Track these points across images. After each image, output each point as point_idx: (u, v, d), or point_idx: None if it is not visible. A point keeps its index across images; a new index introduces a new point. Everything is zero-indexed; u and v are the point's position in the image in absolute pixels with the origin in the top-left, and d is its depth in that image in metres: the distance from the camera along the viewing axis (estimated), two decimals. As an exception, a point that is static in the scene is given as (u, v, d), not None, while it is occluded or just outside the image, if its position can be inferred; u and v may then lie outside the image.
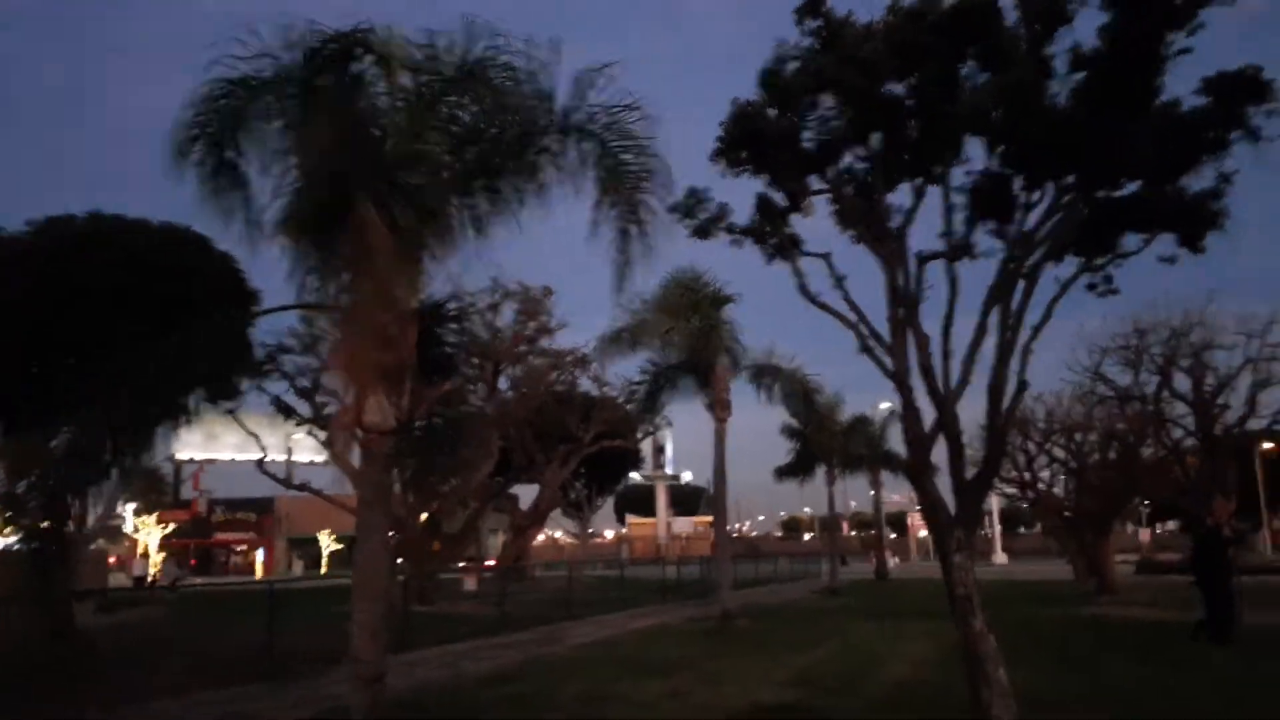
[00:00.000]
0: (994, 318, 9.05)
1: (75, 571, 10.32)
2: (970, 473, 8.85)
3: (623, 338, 20.96)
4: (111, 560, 48.64)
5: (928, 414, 9.09)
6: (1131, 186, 9.44)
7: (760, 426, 39.05)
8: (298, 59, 9.40)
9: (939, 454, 9.24)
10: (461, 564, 35.06)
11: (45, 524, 12.09)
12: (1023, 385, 8.54)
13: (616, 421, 32.81)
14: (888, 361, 8.94)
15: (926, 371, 8.30)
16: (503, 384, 29.48)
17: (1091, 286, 10.17)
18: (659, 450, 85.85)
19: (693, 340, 20.82)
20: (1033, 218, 9.45)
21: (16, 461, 16.71)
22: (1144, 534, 62.90)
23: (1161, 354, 22.61)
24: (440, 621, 20.55)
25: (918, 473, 8.67)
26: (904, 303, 8.57)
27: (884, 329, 9.31)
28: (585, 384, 31.98)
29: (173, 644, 16.41)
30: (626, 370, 41.25)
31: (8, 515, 13.46)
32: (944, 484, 9.31)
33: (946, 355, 8.56)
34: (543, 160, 9.73)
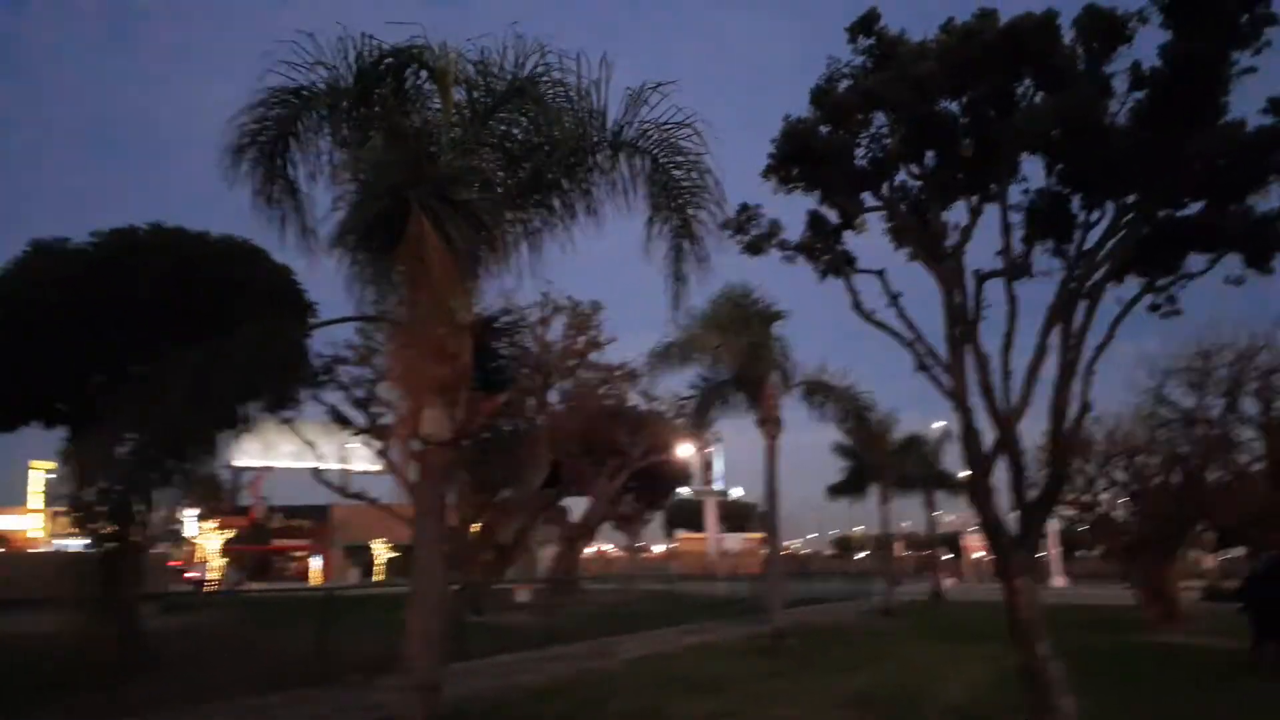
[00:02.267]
0: (1055, 338, 8.87)
1: (143, 575, 10.57)
2: (1031, 494, 8.66)
3: (673, 353, 20.92)
4: (175, 563, 49.74)
5: (986, 434, 8.95)
6: (1195, 206, 9.22)
7: (811, 443, 38.74)
8: (352, 71, 9.60)
9: (999, 475, 9.07)
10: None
11: (111, 529, 12.36)
12: (1086, 407, 8.35)
13: (665, 436, 32.80)
14: (945, 380, 8.79)
15: (987, 391, 8.16)
16: (552, 398, 29.62)
17: (1154, 307, 9.93)
18: (708, 466, 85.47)
19: (743, 356, 20.70)
20: (1092, 237, 9.28)
21: (82, 467, 17.19)
22: (1210, 560, 60.85)
23: (1228, 377, 21.92)
24: (492, 632, 20.65)
25: (978, 494, 8.51)
26: (962, 321, 8.43)
27: (941, 347, 9.18)
28: (634, 398, 32.03)
29: (230, 648, 16.72)
30: (676, 385, 41.22)
31: (76, 519, 13.77)
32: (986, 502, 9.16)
33: (1007, 375, 8.41)
34: (594, 176, 9.80)
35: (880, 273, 9.63)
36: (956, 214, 9.90)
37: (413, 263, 7.71)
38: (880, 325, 9.21)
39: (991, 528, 8.42)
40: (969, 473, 8.85)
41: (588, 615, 25.58)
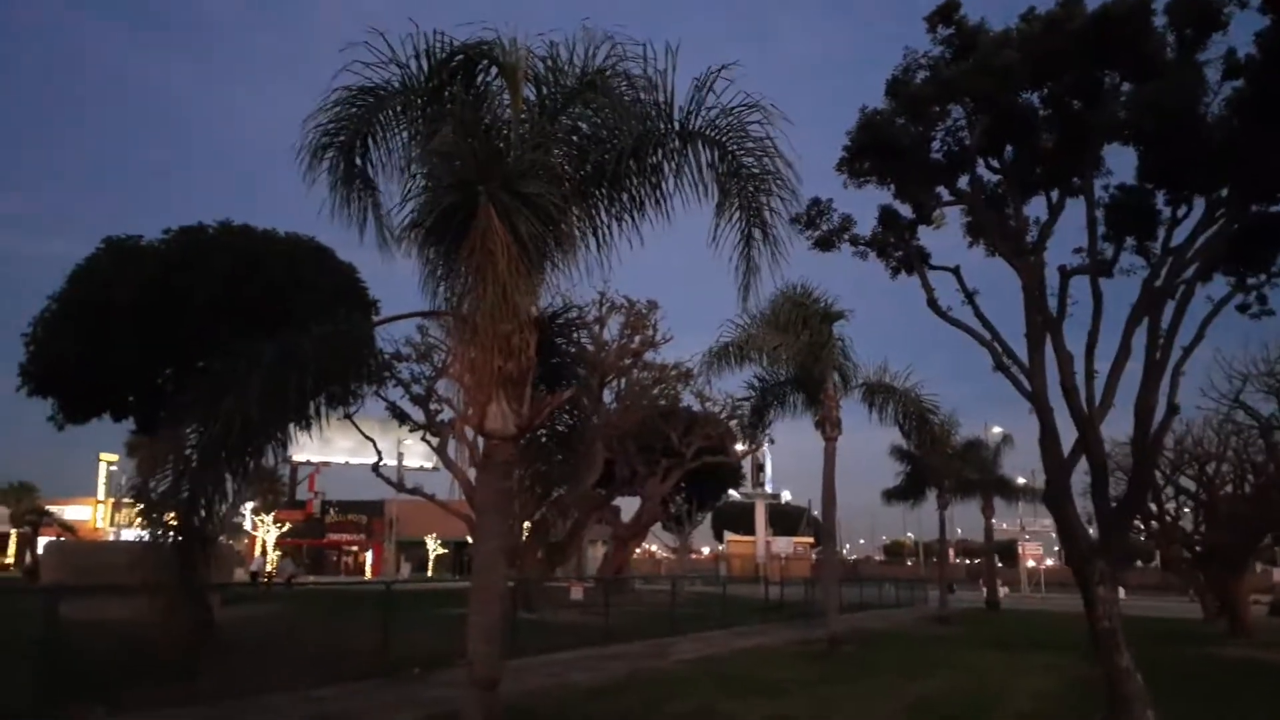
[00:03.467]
0: (1141, 338, 8.58)
1: (215, 565, 10.72)
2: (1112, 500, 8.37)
3: (730, 352, 20.72)
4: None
5: (1065, 437, 8.68)
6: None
7: (863, 447, 38.17)
8: (424, 69, 9.64)
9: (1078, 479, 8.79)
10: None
11: (176, 519, 12.52)
12: (1173, 409, 8.06)
13: (718, 437, 32.59)
14: (1024, 380, 8.54)
15: (1069, 392, 7.90)
16: (607, 397, 29.59)
17: (1243, 308, 9.56)
18: (759, 468, 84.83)
19: (802, 356, 20.43)
20: (1179, 234, 8.95)
21: (150, 459, 17.53)
22: (1278, 574, 58.95)
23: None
24: (545, 629, 20.66)
25: (1057, 499, 8.24)
26: (1046, 319, 8.17)
27: (1018, 347, 8.93)
28: (688, 399, 31.86)
29: (290, 639, 16.94)
30: (730, 386, 40.91)
31: (142, 510, 13.97)
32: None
33: (1090, 375, 8.14)
34: (663, 168, 9.69)
35: (955, 270, 9.39)
36: (1033, 209, 9.61)
37: (480, 256, 7.68)
38: (956, 323, 8.99)
39: (1070, 534, 8.14)
40: (1047, 476, 8.57)
41: (639, 615, 25.49)
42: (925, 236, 10.16)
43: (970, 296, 9.33)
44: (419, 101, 9.77)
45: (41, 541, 44.54)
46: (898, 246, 9.73)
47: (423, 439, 28.71)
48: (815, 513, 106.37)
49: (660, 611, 25.48)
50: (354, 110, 9.67)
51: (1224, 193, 8.37)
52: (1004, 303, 9.42)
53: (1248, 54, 7.87)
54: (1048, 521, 74.70)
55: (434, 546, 67.59)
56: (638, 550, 58.57)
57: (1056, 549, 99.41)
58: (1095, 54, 7.62)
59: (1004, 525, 76.92)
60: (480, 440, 9.57)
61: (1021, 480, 43.53)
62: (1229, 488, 27.13)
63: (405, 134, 9.91)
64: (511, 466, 10.00)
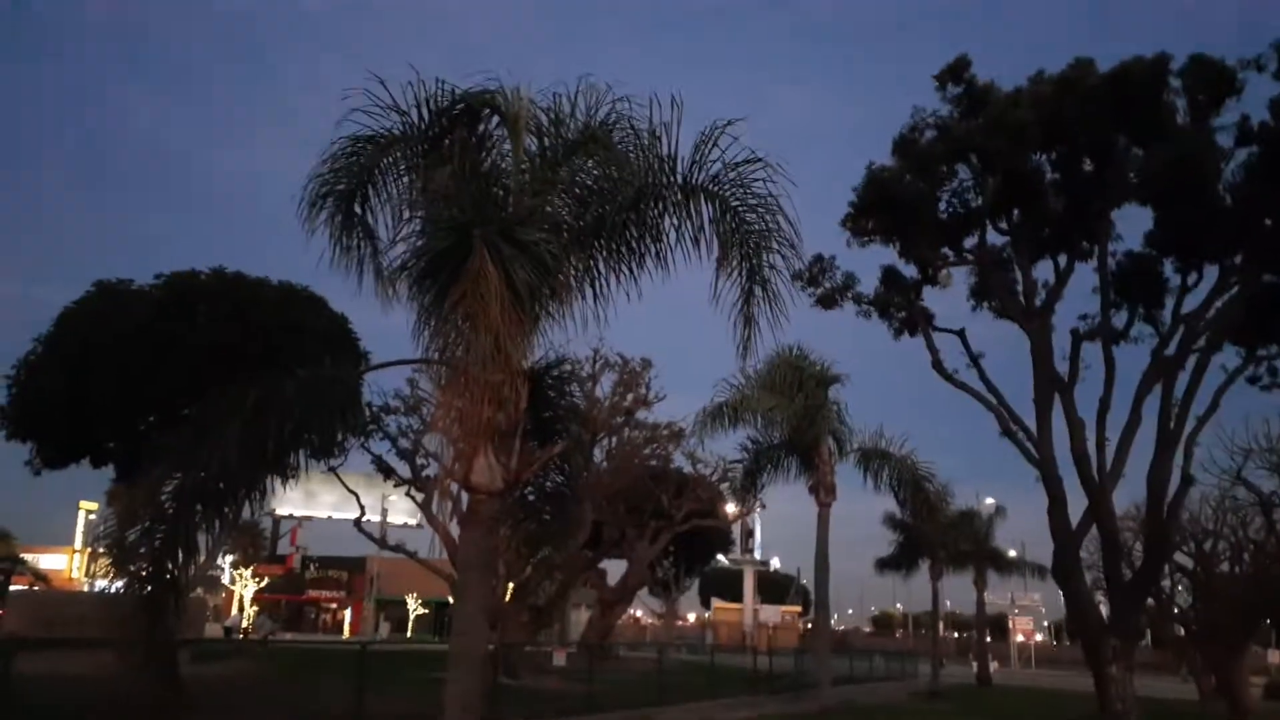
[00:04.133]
0: (1150, 406, 8.32)
1: (183, 619, 10.25)
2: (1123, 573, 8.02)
3: (724, 413, 20.43)
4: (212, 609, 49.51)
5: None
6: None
7: (854, 515, 37.61)
8: (425, 117, 9.53)
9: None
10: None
11: (148, 570, 12.04)
12: (1187, 480, 7.77)
13: (709, 500, 32.10)
14: (1030, 448, 8.26)
15: (1080, 458, 7.64)
16: (597, 455, 29.14)
17: (1254, 379, 9.36)
18: (748, 534, 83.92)
19: (797, 419, 20.13)
20: (1189, 302, 8.78)
21: (128, 507, 17.02)
22: (1274, 656, 58.06)
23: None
24: (526, 697, 19.96)
25: (1066, 571, 7.91)
26: (1056, 383, 7.93)
27: (1023, 413, 8.66)
28: (679, 460, 31.43)
29: (264, 699, 16.24)
30: (723, 448, 40.44)
31: (115, 559, 13.48)
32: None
33: (1101, 443, 7.87)
34: (664, 221, 9.54)
35: (960, 332, 9.17)
36: (1039, 273, 9.43)
37: (471, 302, 7.43)
38: (962, 386, 8.75)
39: (1080, 609, 7.78)
40: (1056, 547, 8.23)
41: (624, 683, 24.71)
42: (930, 299, 9.96)
43: (975, 360, 9.13)
44: (419, 149, 9.65)
45: (12, 590, 43.44)
46: (901, 307, 9.51)
47: (408, 494, 28.14)
48: (804, 581, 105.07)
49: (646, 679, 24.71)
50: (353, 159, 9.55)
51: (1237, 260, 8.19)
52: (1006, 369, 9.21)
53: (1261, 121, 7.77)
54: (1038, 595, 73.81)
55: (414, 606, 66.23)
56: (623, 616, 57.42)
57: (1046, 624, 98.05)
58: (1111, 113, 7.51)
59: (993, 599, 75.89)
60: (465, 496, 9.27)
61: (1012, 553, 42.99)
62: (1225, 566, 26.68)
63: (404, 180, 9.79)
64: (496, 523, 9.65)
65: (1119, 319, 8.58)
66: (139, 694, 9.06)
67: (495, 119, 9.83)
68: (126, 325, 19.71)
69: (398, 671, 18.78)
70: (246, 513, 13.99)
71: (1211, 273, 8.50)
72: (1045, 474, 7.94)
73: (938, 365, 8.77)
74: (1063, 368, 8.16)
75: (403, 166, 9.72)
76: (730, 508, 34.51)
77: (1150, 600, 29.31)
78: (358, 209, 9.65)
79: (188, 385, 18.54)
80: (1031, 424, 8.69)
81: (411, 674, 18.35)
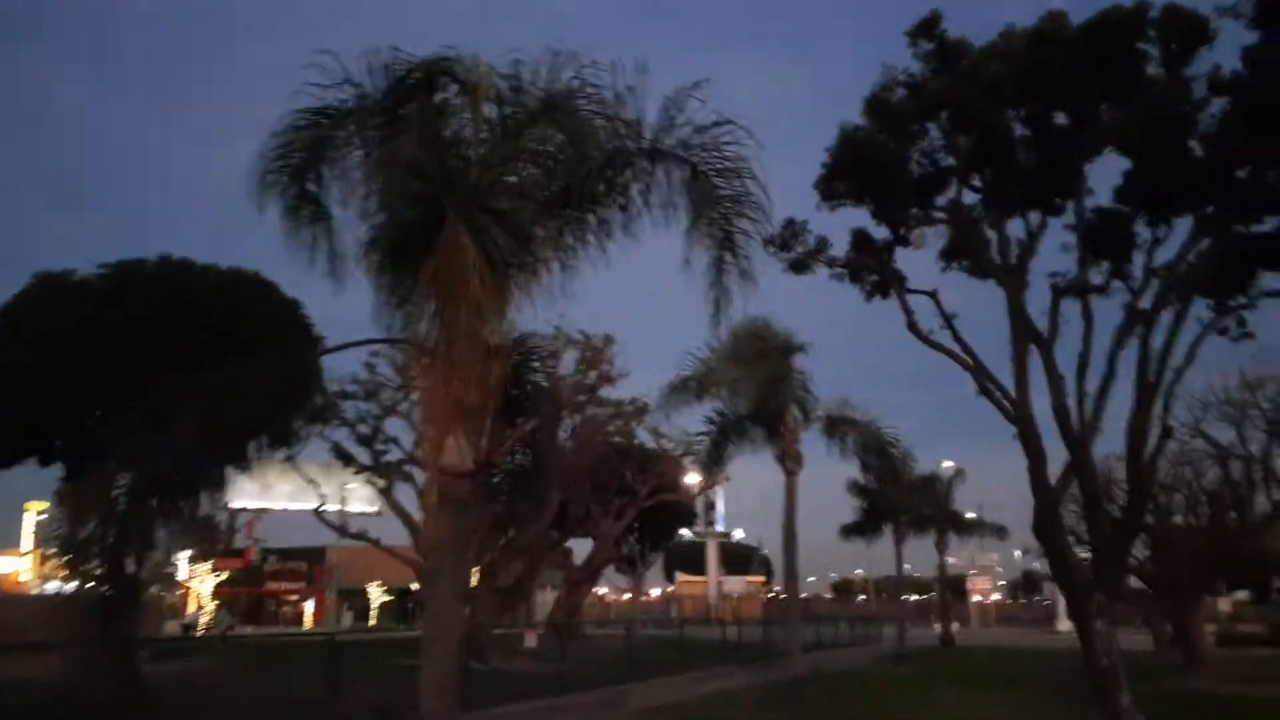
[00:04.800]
0: (1124, 360, 8.30)
1: (140, 618, 9.89)
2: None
3: (689, 387, 20.31)
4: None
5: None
6: (1272, 222, 8.71)
7: (815, 484, 37.94)
8: (380, 87, 9.17)
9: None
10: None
11: (101, 569, 11.65)
12: (1167, 431, 7.77)
13: (673, 475, 32.08)
14: (1008, 405, 8.20)
15: (1061, 413, 7.57)
16: (560, 434, 28.89)
17: (1222, 330, 9.39)
18: (710, 506, 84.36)
19: (762, 390, 20.07)
20: (1160, 256, 8.76)
21: (78, 506, 16.46)
22: (1223, 604, 59.84)
23: (1271, 410, 21.29)
24: (497, 679, 19.78)
25: (1048, 528, 7.88)
26: (1036, 339, 7.86)
27: (997, 370, 8.61)
28: (642, 436, 31.31)
29: (231, 695, 15.86)
30: (687, 422, 40.31)
31: (68, 560, 13.04)
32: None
33: (1082, 398, 7.83)
34: (631, 188, 9.29)
35: (933, 293, 9.08)
36: (1010, 231, 9.36)
37: (446, 277, 7.12)
38: (938, 347, 8.67)
39: (1064, 566, 7.77)
40: (1036, 504, 8.21)
41: (594, 661, 24.63)
42: (899, 262, 9.86)
43: (949, 320, 9.02)
44: (375, 121, 9.28)
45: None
46: (873, 269, 9.39)
47: (368, 481, 27.66)
48: (766, 551, 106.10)
49: (616, 657, 24.67)
50: (305, 132, 9.16)
51: (1209, 211, 8.16)
52: (976, 330, 9.12)
53: (1234, 70, 7.71)
54: (995, 556, 75.44)
55: (377, 594, 65.62)
56: (589, 594, 57.41)
57: (1002, 583, 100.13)
58: (1088, 65, 7.39)
59: (951, 561, 77.33)
60: (424, 478, 9.02)
61: (971, 514, 43.64)
62: (1180, 518, 27.30)
63: (359, 155, 9.43)
64: (469, 504, 9.39)
65: (1096, 274, 8.60)
66: (98, 695, 8.73)
67: (454, 88, 9.49)
68: (69, 317, 18.94)
69: (365, 660, 18.47)
70: (204, 506, 13.58)
71: (1180, 226, 8.53)
72: (1024, 431, 7.92)
73: (913, 327, 8.73)
74: (1040, 324, 8.19)
75: (357, 140, 9.38)
76: (693, 480, 34.51)
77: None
78: (311, 185, 9.28)
79: (136, 377, 17.89)
80: (1006, 381, 8.75)
81: (379, 661, 18.09)
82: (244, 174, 9.11)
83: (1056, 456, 8.92)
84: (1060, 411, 7.73)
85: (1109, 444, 9.45)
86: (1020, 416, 8.13)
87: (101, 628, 8.05)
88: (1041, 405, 8.16)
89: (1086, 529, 7.74)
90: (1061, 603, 68.89)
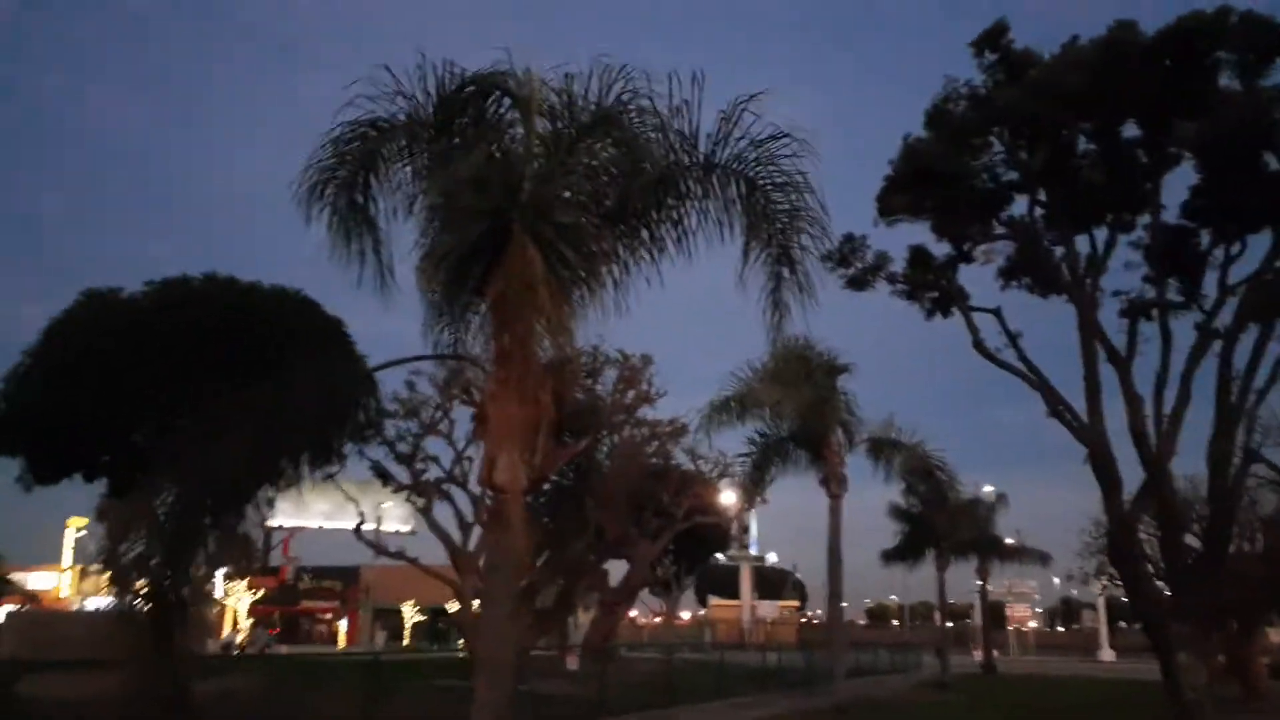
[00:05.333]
0: (1200, 381, 8.01)
1: (190, 635, 9.83)
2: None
3: (731, 406, 20.10)
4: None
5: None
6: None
7: (847, 508, 37.36)
8: (432, 100, 9.16)
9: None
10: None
11: (145, 586, 11.62)
12: (1250, 455, 7.46)
13: (710, 497, 31.76)
14: (1080, 426, 7.93)
15: (1139, 436, 7.30)
16: (599, 453, 28.72)
17: (1296, 352, 9.06)
18: (744, 530, 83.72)
19: (805, 411, 19.80)
20: (1235, 274, 8.48)
21: (123, 522, 16.50)
22: (1275, 635, 58.17)
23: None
24: (536, 702, 19.52)
25: (1124, 554, 7.58)
26: (1113, 358, 7.61)
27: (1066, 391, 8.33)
28: (680, 457, 31.02)
29: (275, 714, 15.80)
30: (726, 443, 39.88)
31: (112, 576, 13.03)
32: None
33: (1160, 419, 7.56)
34: (686, 203, 9.17)
35: (996, 310, 8.84)
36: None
37: (514, 290, 7.01)
38: (1005, 366, 8.43)
39: (1143, 597, 7.46)
40: (1111, 529, 7.91)
41: (632, 685, 24.31)
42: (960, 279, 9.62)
43: (1014, 339, 8.77)
44: (426, 134, 9.28)
45: (1, 611, 42.64)
46: (934, 286, 9.17)
47: (407, 499, 27.61)
48: (799, 575, 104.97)
49: (653, 681, 24.33)
50: (356, 145, 9.17)
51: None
52: (1038, 351, 8.87)
53: (1311, 82, 7.46)
54: (1033, 582, 74.01)
55: (410, 614, 65.63)
56: (625, 616, 56.92)
57: (1039, 610, 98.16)
58: (1165, 74, 7.17)
59: (989, 587, 75.84)
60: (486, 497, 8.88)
61: (1010, 540, 42.83)
62: (1239, 544, 26.51)
63: (410, 169, 9.42)
64: (523, 523, 9.25)
65: (1171, 291, 8.35)
66: (152, 714, 8.66)
67: (506, 101, 9.45)
68: (116, 334, 19.12)
69: (403, 680, 18.36)
70: (245, 523, 13.53)
71: (1255, 243, 8.25)
72: (1097, 454, 7.64)
73: (979, 345, 8.49)
74: (1116, 342, 7.94)
75: (407, 154, 9.36)
76: (731, 501, 34.17)
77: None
78: (359, 197, 9.27)
79: (181, 395, 18.00)
80: (1075, 402, 8.48)
81: (417, 682, 17.94)
82: (291, 186, 9.13)
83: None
84: (1138, 433, 7.45)
85: (1181, 466, 9.13)
86: (1094, 439, 7.87)
87: (155, 645, 7.96)
88: (1111, 427, 7.92)
89: (1163, 557, 7.44)
90: (1104, 631, 67.60)
